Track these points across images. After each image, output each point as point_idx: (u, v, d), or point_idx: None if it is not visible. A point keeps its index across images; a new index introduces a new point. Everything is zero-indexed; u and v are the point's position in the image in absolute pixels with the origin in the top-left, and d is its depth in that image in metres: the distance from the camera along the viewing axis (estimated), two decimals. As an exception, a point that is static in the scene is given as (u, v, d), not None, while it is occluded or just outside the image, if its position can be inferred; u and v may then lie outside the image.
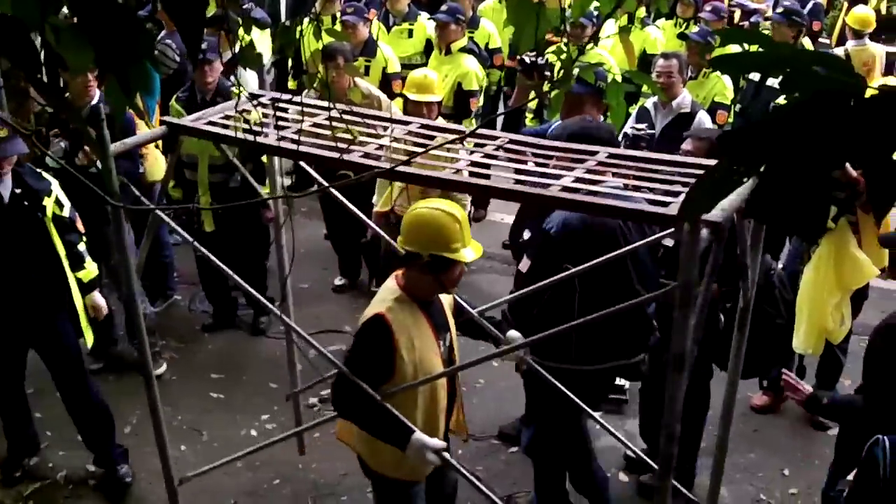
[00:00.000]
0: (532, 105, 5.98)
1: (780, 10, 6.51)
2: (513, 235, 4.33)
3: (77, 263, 3.95)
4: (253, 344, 5.42)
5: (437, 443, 2.81)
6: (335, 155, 2.69)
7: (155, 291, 5.57)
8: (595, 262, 3.04)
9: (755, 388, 4.78)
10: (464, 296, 3.36)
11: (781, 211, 1.03)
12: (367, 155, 2.85)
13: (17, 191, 3.78)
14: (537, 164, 2.96)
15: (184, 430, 4.56)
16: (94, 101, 4.45)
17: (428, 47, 6.88)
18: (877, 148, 1.01)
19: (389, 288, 2.93)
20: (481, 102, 6.47)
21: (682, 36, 6.32)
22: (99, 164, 2.95)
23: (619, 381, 4.75)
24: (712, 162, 2.10)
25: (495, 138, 3.09)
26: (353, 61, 5.90)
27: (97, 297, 4.07)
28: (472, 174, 2.86)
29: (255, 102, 2.65)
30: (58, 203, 3.89)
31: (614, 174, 2.86)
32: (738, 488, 4.21)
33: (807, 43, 6.93)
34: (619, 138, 5.12)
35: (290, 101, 3.25)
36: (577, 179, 2.66)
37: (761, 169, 1.04)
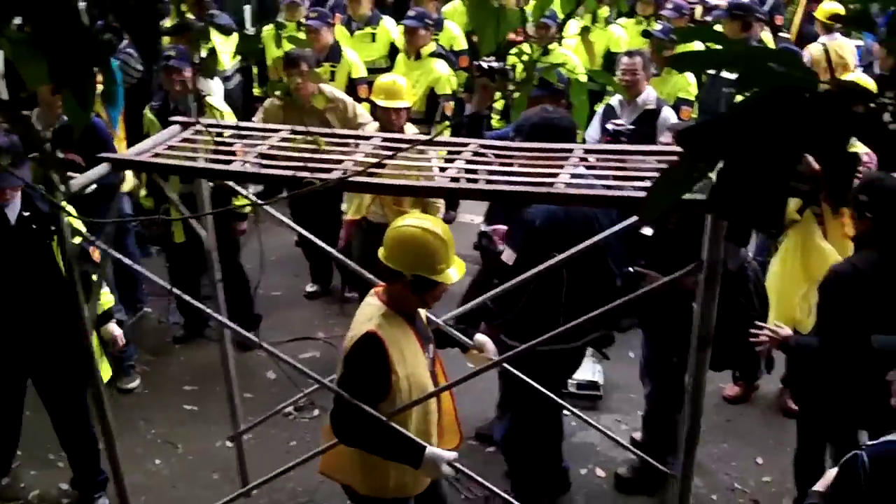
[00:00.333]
0: (498, 106, 5.99)
1: (725, 4, 6.58)
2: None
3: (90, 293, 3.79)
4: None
5: (450, 455, 2.82)
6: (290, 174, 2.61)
7: (125, 304, 5.50)
8: (579, 247, 3.03)
9: (727, 378, 4.83)
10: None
11: (740, 205, 1.05)
12: (334, 162, 2.81)
13: (26, 213, 3.62)
14: (520, 167, 2.93)
15: (158, 443, 4.51)
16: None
17: (392, 51, 6.87)
18: (831, 140, 1.04)
19: (373, 304, 2.87)
20: (452, 104, 6.44)
21: (646, 34, 6.37)
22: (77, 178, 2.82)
23: (594, 378, 4.80)
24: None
25: (465, 145, 3.00)
26: (317, 67, 5.88)
27: (113, 327, 3.94)
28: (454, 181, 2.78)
29: (205, 130, 2.58)
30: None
31: (592, 167, 2.89)
32: (713, 478, 4.26)
33: (767, 37, 7.00)
34: (598, 135, 5.17)
35: (237, 127, 3.14)
36: (574, 176, 2.66)
37: (720, 164, 1.05)
